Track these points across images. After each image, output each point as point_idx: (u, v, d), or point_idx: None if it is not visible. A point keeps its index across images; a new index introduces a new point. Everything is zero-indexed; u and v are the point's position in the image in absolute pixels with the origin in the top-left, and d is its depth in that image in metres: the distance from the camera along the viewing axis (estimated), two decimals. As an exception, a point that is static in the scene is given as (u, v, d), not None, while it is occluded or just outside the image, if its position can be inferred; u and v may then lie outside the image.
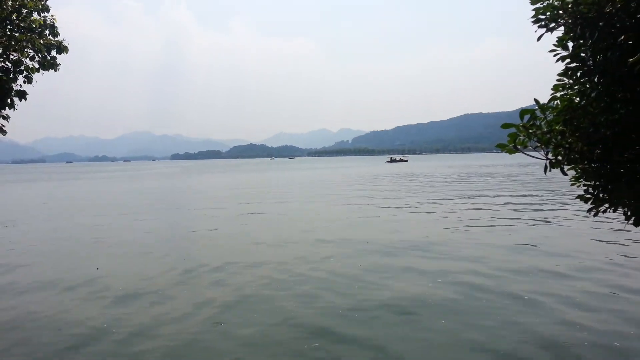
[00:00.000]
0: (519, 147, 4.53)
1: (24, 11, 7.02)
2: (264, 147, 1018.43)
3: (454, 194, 35.71)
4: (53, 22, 7.28)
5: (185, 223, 25.25)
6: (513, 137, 4.52)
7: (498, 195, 33.66)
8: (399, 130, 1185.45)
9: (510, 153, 4.67)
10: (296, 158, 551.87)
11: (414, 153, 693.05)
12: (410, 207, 28.56)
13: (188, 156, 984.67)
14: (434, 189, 41.22)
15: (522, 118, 4.55)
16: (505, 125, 4.70)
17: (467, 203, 29.12)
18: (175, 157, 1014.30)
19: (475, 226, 20.03)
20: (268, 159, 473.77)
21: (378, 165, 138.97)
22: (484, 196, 33.61)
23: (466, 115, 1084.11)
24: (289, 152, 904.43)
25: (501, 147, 4.64)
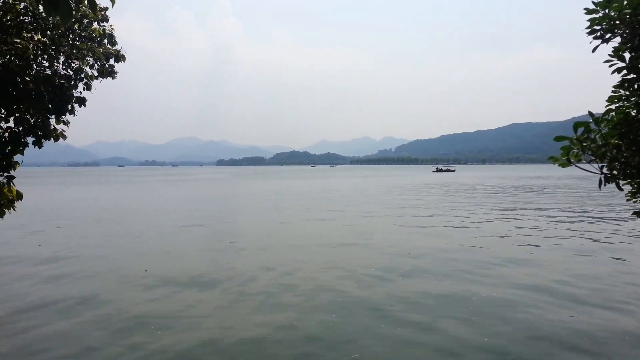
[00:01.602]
0: (572, 160, 4.40)
1: (85, 21, 7.41)
2: (307, 155, 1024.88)
3: (522, 206, 34.80)
4: (112, 32, 7.65)
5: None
6: (566, 150, 4.40)
7: (574, 212, 32.29)
8: (444, 139, 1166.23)
9: (563, 166, 4.56)
10: (338, 166, 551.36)
11: (459, 163, 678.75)
12: (486, 220, 28.04)
13: (233, 162, 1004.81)
14: (497, 200, 40.36)
15: (575, 131, 4.41)
16: (559, 138, 4.58)
17: (546, 216, 28.04)
18: (221, 162, 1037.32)
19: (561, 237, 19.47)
20: (309, 167, 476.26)
21: (424, 174, 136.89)
22: (557, 209, 32.49)
23: (514, 125, 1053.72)
24: (331, 160, 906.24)
25: (554, 160, 4.52)
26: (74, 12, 6.78)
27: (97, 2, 7.30)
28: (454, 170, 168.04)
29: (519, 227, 23.46)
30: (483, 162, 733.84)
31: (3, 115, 6.84)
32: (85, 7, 7.10)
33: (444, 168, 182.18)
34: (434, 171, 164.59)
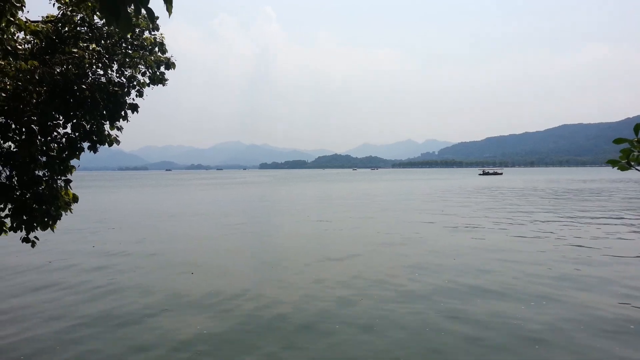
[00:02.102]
0: (632, 163, 4.20)
1: (137, 30, 7.67)
2: (348, 158, 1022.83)
3: (578, 213, 33.40)
4: (162, 40, 7.87)
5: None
6: (626, 153, 4.20)
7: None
8: (490, 141, 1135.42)
9: (622, 170, 4.35)
10: (379, 169, 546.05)
11: (506, 165, 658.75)
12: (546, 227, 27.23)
13: (275, 165, 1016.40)
14: (554, 205, 38.88)
15: (636, 132, 4.20)
16: (618, 141, 4.36)
17: (615, 222, 26.77)
18: (263, 166, 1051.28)
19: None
20: (350, 170, 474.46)
21: (469, 177, 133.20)
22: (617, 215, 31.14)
23: (564, 126, 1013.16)
24: (372, 163, 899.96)
25: (612, 164, 4.32)
26: (133, 23, 7.04)
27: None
28: (501, 174, 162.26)
29: (583, 234, 22.54)
30: (531, 164, 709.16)
31: (61, 122, 7.17)
32: (142, 18, 7.35)
33: (491, 171, 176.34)
34: (480, 174, 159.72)
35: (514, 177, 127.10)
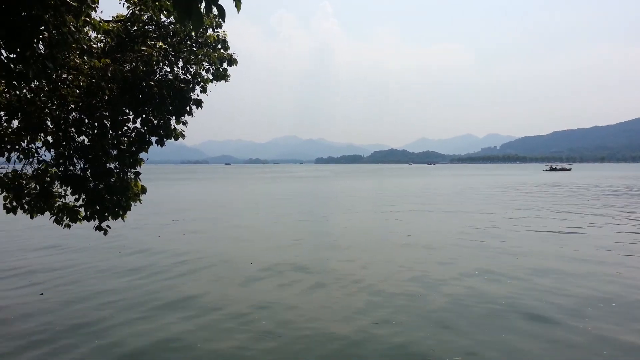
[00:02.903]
0: None
1: (202, 28, 7.93)
2: (405, 153, 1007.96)
3: None
4: (225, 37, 8.10)
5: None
6: None
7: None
8: (556, 135, 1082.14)
9: None
10: (436, 164, 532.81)
11: (573, 161, 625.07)
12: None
13: (331, 160, 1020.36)
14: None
15: None
16: None
17: None
18: (319, 160, 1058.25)
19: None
20: (406, 165, 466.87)
21: (535, 173, 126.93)
22: None
23: (639, 120, 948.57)
24: (430, 158, 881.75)
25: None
26: (204, 20, 7.29)
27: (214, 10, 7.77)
28: (569, 169, 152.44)
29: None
30: (602, 160, 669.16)
31: (131, 117, 7.55)
32: (211, 16, 7.60)
33: (559, 167, 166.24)
34: (545, 170, 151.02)
35: (584, 174, 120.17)
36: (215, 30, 8.05)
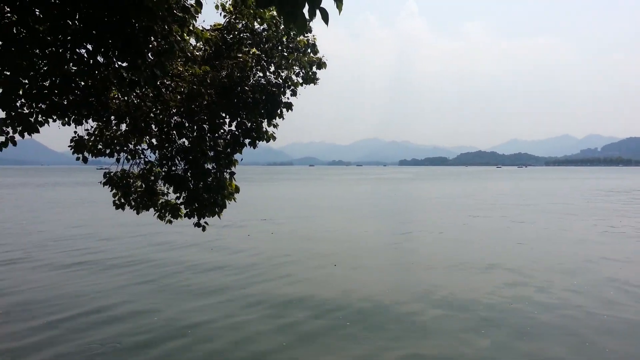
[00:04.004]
0: None
1: (292, 33, 8.16)
2: (494, 155, 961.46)
3: None
4: (314, 42, 8.28)
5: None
6: None
7: None
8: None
9: None
10: (528, 167, 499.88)
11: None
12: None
13: (415, 162, 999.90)
14: None
15: None
16: None
17: None
18: (403, 163, 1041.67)
19: None
20: (494, 167, 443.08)
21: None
22: None
23: None
24: (521, 160, 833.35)
25: None
26: (308, 24, 7.53)
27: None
28: None
29: None
30: None
31: (227, 120, 7.98)
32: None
33: None
34: None
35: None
36: (305, 35, 8.25)
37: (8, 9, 5.62)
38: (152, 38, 5.13)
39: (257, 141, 8.20)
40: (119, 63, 5.83)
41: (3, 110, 7.01)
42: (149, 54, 5.33)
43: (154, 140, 8.57)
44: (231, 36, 8.12)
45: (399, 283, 13.53)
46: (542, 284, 13.20)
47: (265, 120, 8.09)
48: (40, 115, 7.25)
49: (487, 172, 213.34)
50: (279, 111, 8.09)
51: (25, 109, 7.13)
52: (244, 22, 8.12)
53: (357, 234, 23.10)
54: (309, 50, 8.28)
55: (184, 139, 8.35)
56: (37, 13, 5.33)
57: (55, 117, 7.37)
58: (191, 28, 5.69)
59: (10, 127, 7.03)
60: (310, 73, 8.38)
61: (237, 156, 8.34)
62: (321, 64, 8.39)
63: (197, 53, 7.84)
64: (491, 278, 13.91)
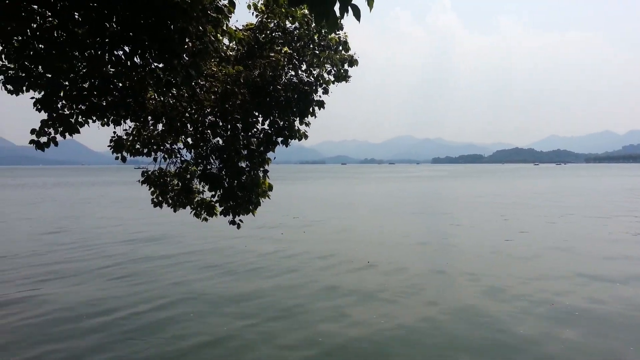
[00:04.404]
0: None
1: (324, 31, 8.15)
2: (531, 152, 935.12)
3: None
4: (346, 39, 8.26)
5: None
6: None
7: None
8: None
9: None
10: (567, 164, 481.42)
11: None
12: None
13: (449, 160, 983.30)
14: None
15: None
16: None
17: None
18: (436, 160, 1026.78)
19: None
20: (531, 165, 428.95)
21: None
22: None
23: None
24: (560, 157, 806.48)
25: None
26: (339, 22, 7.53)
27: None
28: None
29: None
30: None
31: (260, 119, 8.06)
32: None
33: None
34: None
35: None
36: (337, 33, 8.23)
37: (49, 13, 5.84)
38: (187, 39, 5.21)
39: (289, 139, 8.24)
40: (156, 64, 5.96)
41: (45, 112, 7.29)
42: (184, 55, 5.43)
43: (189, 140, 8.74)
44: (263, 35, 8.18)
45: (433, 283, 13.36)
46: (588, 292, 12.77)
47: (298, 118, 8.12)
48: (80, 116, 7.48)
49: (525, 169, 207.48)
50: (311, 109, 8.11)
51: (66, 110, 7.39)
52: (275, 21, 8.17)
53: (389, 231, 22.94)
54: (340, 48, 8.26)
55: (218, 138, 8.47)
56: (77, 17, 5.50)
57: (94, 118, 7.59)
58: (225, 28, 5.75)
59: (51, 128, 7.30)
60: (342, 71, 8.36)
61: (270, 155, 8.42)
62: (353, 62, 8.35)
63: (230, 53, 7.94)
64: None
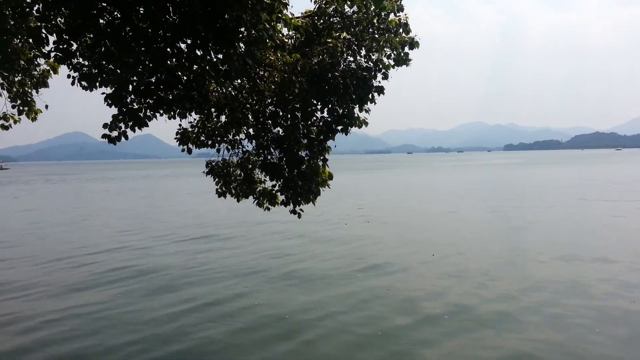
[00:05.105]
0: None
1: (383, 14, 7.91)
2: (614, 136, 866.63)
3: None
4: (406, 21, 7.96)
5: None
6: None
7: None
8: None
9: None
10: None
11: None
12: None
13: (522, 147, 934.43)
14: None
15: None
16: None
17: None
18: (509, 147, 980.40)
19: None
20: (613, 150, 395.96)
21: None
22: None
23: None
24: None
25: None
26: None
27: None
28: None
29: None
30: None
31: (318, 107, 8.00)
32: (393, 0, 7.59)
33: None
34: None
35: None
36: (397, 15, 7.97)
37: (116, 11, 6.09)
38: (242, 27, 5.23)
39: (349, 127, 8.11)
40: (214, 55, 6.06)
41: (115, 107, 7.65)
42: (240, 44, 5.46)
43: (250, 130, 8.87)
44: (321, 21, 8.09)
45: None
46: None
47: (357, 105, 7.97)
48: (148, 110, 7.79)
49: (608, 155, 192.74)
50: (370, 96, 7.92)
51: (134, 104, 7.72)
52: (334, 6, 8.04)
53: (456, 222, 22.22)
54: (400, 31, 7.98)
55: (278, 128, 8.53)
56: (140, 11, 5.68)
57: (161, 112, 7.88)
58: (280, 15, 5.71)
59: (122, 123, 7.66)
60: (402, 54, 8.07)
61: (331, 143, 8.36)
62: (413, 44, 8.04)
63: (287, 41, 7.92)
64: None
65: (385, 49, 8.00)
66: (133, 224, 24.48)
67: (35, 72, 8.38)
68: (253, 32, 5.30)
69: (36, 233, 22.24)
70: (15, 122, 8.80)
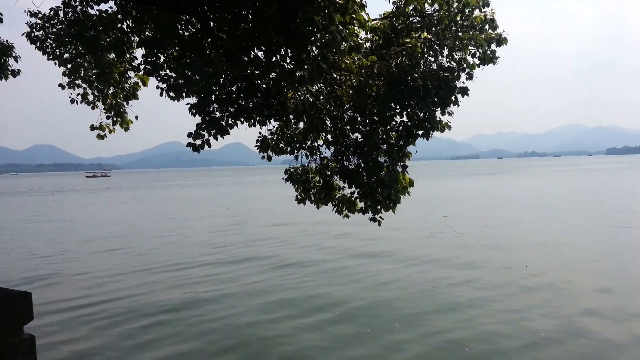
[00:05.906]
0: None
1: (467, 10, 7.45)
2: None
3: None
4: (493, 16, 7.43)
5: None
6: None
7: None
8: None
9: None
10: None
11: None
12: None
13: (627, 150, 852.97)
14: None
15: None
16: None
17: None
18: (612, 151, 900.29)
19: None
20: None
21: None
22: None
23: None
24: None
25: None
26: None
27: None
28: None
29: None
30: None
31: (397, 111, 7.69)
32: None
33: None
34: None
35: None
36: (482, 10, 7.47)
37: (196, 22, 6.28)
38: (315, 30, 5.12)
39: (430, 132, 7.70)
40: (289, 61, 6.02)
41: (199, 116, 7.92)
42: (313, 48, 5.36)
43: (329, 137, 8.77)
44: (400, 22, 7.80)
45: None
46: None
47: (439, 108, 7.55)
48: (229, 119, 7.98)
49: None
50: (453, 97, 7.46)
51: (217, 113, 7.95)
52: (413, 4, 7.72)
53: (551, 234, 20.62)
54: (486, 27, 7.45)
55: (357, 134, 8.34)
56: (217, 19, 5.78)
57: (242, 120, 8.04)
58: (354, 16, 5.53)
59: (205, 131, 7.90)
60: (489, 52, 7.53)
61: (411, 149, 8.02)
62: (501, 40, 7.46)
63: (361, 42, 7.70)
64: None
65: (469, 47, 7.52)
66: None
67: (127, 85, 8.94)
68: (326, 34, 5.17)
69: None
70: (110, 132, 9.43)
